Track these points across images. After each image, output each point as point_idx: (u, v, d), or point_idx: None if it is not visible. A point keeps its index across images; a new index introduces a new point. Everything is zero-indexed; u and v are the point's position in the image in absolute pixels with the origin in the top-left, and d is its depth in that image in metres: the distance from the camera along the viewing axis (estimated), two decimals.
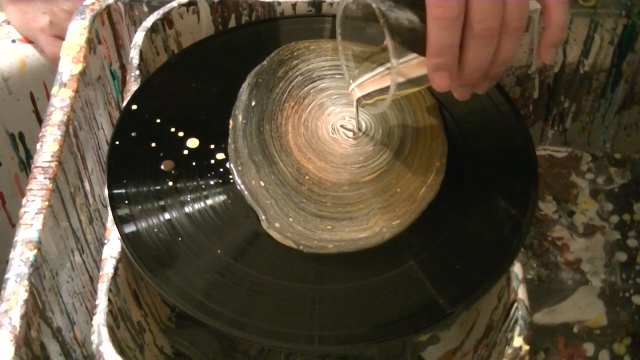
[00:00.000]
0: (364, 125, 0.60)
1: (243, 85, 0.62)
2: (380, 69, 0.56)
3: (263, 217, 0.55)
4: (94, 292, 0.62)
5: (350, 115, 0.61)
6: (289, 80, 0.63)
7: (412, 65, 0.51)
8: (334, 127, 0.60)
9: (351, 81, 0.58)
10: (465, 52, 0.48)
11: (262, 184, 0.56)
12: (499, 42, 0.48)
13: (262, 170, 0.57)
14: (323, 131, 0.60)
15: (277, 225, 0.55)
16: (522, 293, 0.52)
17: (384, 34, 0.49)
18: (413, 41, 0.49)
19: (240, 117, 0.60)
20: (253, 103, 0.61)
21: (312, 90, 0.63)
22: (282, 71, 0.64)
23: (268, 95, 0.62)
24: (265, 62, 0.64)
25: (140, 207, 0.55)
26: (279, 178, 0.57)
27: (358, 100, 0.57)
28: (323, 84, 0.63)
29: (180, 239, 0.54)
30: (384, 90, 0.54)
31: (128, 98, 0.61)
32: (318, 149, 0.59)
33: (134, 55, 0.64)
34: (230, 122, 0.60)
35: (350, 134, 0.60)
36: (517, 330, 0.51)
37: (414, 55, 0.50)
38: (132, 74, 0.63)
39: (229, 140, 0.59)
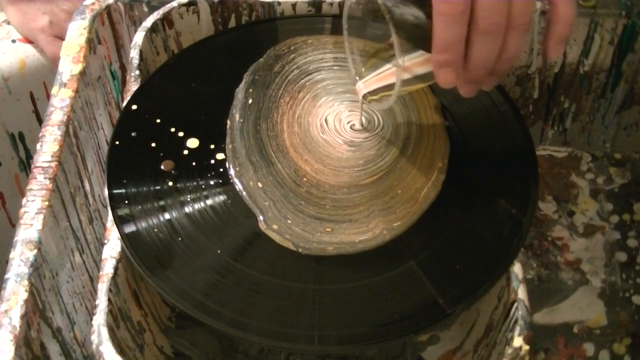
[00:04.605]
0: (381, 122, 0.60)
1: (241, 84, 0.62)
2: (387, 65, 0.56)
3: (261, 219, 0.55)
4: (94, 292, 0.62)
5: (342, 101, 0.61)
6: (285, 74, 0.63)
7: (418, 62, 0.51)
8: (322, 124, 0.60)
9: (357, 78, 0.58)
10: (470, 49, 0.48)
11: (259, 185, 0.56)
12: (505, 38, 0.48)
13: (260, 171, 0.57)
14: (314, 129, 0.60)
15: (275, 227, 0.54)
16: (522, 293, 0.52)
17: (389, 30, 0.49)
18: (418, 37, 0.49)
19: (237, 116, 0.60)
20: (250, 101, 0.61)
21: (307, 83, 0.62)
22: (279, 66, 0.63)
23: (264, 92, 0.62)
24: (261, 59, 0.64)
25: (140, 207, 0.55)
26: (277, 179, 0.57)
27: (364, 96, 0.57)
28: (320, 76, 0.63)
29: (180, 239, 0.54)
30: (390, 87, 0.54)
31: (128, 98, 0.61)
32: (313, 150, 0.59)
33: (134, 55, 0.64)
34: (228, 121, 0.60)
35: (340, 140, 0.59)
36: (517, 330, 0.51)
37: (420, 51, 0.50)
38: (132, 74, 0.63)
39: (227, 140, 0.59)
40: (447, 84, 0.49)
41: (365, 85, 0.57)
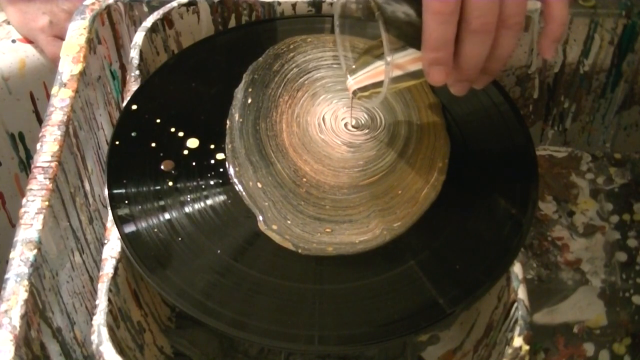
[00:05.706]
0: (383, 122, 0.60)
1: (240, 84, 0.62)
2: (377, 62, 0.56)
3: (261, 219, 0.55)
4: (94, 292, 0.62)
5: (340, 98, 0.61)
6: (284, 73, 0.63)
7: (409, 59, 0.51)
8: (319, 123, 0.60)
9: (348, 75, 0.58)
10: (461, 47, 0.48)
11: (259, 185, 0.56)
12: (497, 37, 0.48)
13: (259, 172, 0.57)
14: (312, 129, 0.60)
15: (275, 227, 0.54)
16: (522, 293, 0.52)
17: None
18: (409, 35, 0.49)
19: (237, 116, 0.60)
20: (249, 101, 0.61)
21: (306, 82, 0.62)
22: (278, 65, 0.63)
23: (264, 91, 0.62)
24: (261, 58, 0.64)
25: (140, 207, 0.55)
26: (277, 180, 0.57)
27: (354, 93, 0.57)
28: (319, 74, 0.63)
29: (180, 239, 0.54)
30: (380, 84, 0.54)
31: (128, 98, 0.61)
32: (312, 150, 0.58)
33: (134, 55, 0.64)
34: (228, 121, 0.60)
35: (339, 141, 0.59)
36: (517, 330, 0.51)
37: (411, 49, 0.50)
38: (132, 74, 0.63)
39: (226, 140, 0.59)
40: (438, 82, 0.49)
41: (355, 82, 0.57)
